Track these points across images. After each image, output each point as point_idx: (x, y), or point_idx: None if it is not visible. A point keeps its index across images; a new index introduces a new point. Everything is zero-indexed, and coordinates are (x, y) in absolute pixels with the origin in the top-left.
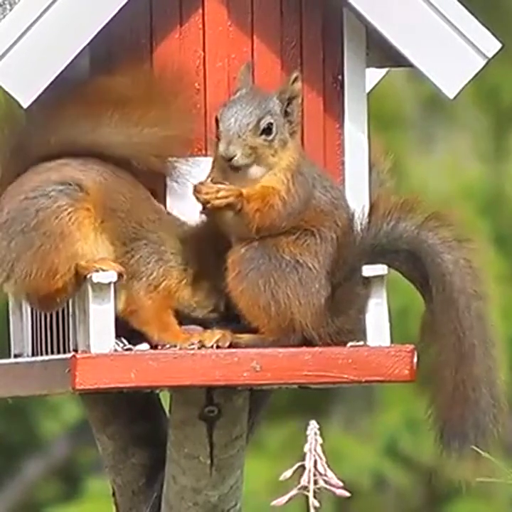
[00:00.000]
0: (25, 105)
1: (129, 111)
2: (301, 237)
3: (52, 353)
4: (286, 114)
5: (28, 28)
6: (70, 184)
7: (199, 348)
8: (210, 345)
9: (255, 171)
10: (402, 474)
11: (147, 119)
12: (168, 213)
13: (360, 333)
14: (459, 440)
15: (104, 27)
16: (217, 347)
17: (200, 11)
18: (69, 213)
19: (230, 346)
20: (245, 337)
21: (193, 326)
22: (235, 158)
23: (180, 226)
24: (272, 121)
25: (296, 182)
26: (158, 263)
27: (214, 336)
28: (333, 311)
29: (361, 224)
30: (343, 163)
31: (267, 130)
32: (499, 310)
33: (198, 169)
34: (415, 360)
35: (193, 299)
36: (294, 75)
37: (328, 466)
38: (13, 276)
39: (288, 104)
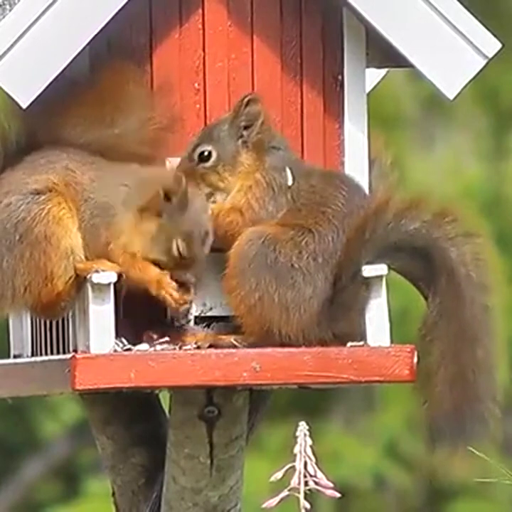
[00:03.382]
0: (24, 105)
1: (93, 113)
2: (299, 236)
3: (52, 353)
4: (241, 136)
5: (28, 28)
6: (37, 193)
7: (180, 349)
8: (188, 347)
9: (218, 198)
10: (402, 474)
11: (114, 117)
12: None
13: (358, 336)
14: (454, 432)
15: (104, 27)
16: (198, 347)
17: (200, 11)
18: (45, 215)
19: (210, 347)
20: (226, 338)
21: (193, 327)
22: None
23: None
24: (208, 148)
25: (260, 195)
26: None
27: (195, 338)
28: (332, 316)
29: (372, 223)
30: (343, 163)
31: (204, 157)
32: (501, 310)
33: None
34: (415, 360)
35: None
36: (247, 98)
37: (319, 467)
38: (16, 295)
39: (245, 128)
